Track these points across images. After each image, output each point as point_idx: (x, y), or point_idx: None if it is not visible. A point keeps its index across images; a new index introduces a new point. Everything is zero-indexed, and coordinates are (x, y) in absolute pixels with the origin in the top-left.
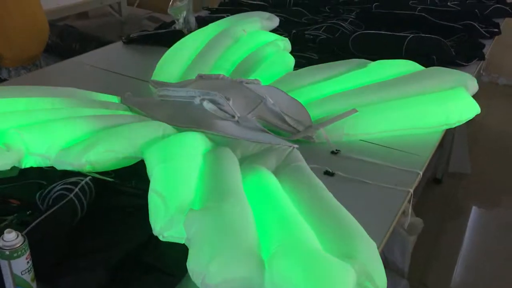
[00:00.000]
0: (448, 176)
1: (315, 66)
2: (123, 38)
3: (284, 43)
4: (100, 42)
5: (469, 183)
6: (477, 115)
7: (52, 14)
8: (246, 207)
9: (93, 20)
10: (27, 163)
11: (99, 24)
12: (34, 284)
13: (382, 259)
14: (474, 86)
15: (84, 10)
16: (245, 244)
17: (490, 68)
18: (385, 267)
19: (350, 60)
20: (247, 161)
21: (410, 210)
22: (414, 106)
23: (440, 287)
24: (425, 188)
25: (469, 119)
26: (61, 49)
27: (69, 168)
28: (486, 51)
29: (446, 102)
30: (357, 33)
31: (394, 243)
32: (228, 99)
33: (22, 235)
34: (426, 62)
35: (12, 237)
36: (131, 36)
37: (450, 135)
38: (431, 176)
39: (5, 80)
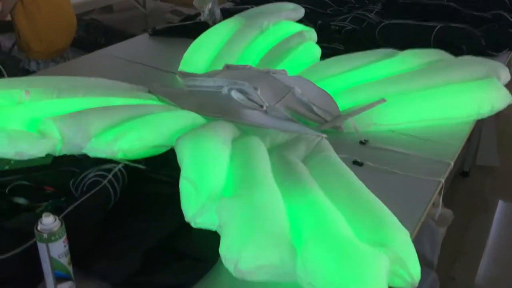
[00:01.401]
0: (475, 169)
1: (342, 56)
2: (149, 30)
3: (310, 34)
4: (124, 36)
5: (496, 176)
6: (504, 108)
7: (78, 8)
8: (276, 195)
9: (118, 14)
10: (61, 151)
11: (123, 17)
12: (70, 268)
13: None
14: (506, 75)
15: (109, 3)
16: (277, 231)
17: None
18: None
19: (378, 50)
20: (276, 150)
21: (440, 201)
22: (444, 96)
23: (467, 281)
24: (452, 181)
25: (501, 109)
26: (86, 42)
27: (101, 155)
28: None
29: (477, 91)
30: (384, 23)
31: (424, 234)
32: (256, 89)
33: (59, 219)
34: (455, 52)
35: (50, 221)
36: (156, 28)
37: (478, 127)
38: (458, 169)
39: (33, 72)
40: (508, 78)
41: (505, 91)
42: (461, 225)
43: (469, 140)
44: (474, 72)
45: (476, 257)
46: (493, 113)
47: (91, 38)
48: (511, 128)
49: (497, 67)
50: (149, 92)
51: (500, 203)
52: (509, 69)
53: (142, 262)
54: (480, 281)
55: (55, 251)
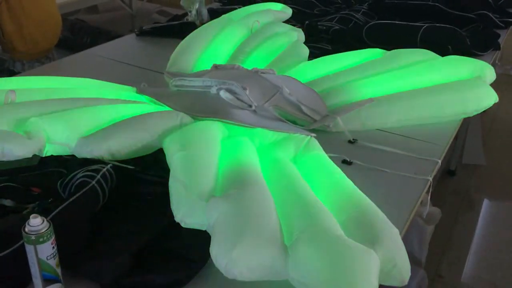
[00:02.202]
0: (461, 168)
1: (330, 56)
2: (135, 30)
3: (298, 34)
4: (111, 36)
5: (482, 175)
6: (489, 107)
7: (63, 8)
8: (267, 194)
9: (104, 14)
10: (47, 152)
11: (109, 18)
12: (58, 270)
13: None
14: (491, 74)
15: (94, 3)
16: (268, 231)
17: (503, 59)
18: None
19: (365, 49)
20: (266, 150)
21: (428, 199)
22: (431, 95)
23: (454, 279)
24: (439, 180)
25: (487, 107)
26: (72, 43)
27: (89, 156)
28: (501, 41)
29: (463, 90)
30: (371, 23)
31: (412, 232)
32: (244, 89)
33: (47, 220)
34: (441, 51)
35: (38, 222)
36: (143, 28)
37: (464, 126)
38: (444, 168)
39: (18, 73)
40: (494, 77)
41: (491, 90)
42: (448, 223)
43: (455, 139)
44: (461, 71)
45: (463, 255)
46: (480, 111)
47: (76, 38)
48: (496, 127)
49: (483, 66)
50: (137, 92)
51: (485, 201)
52: (494, 68)
53: (132, 262)
54: (466, 279)
55: (43, 252)
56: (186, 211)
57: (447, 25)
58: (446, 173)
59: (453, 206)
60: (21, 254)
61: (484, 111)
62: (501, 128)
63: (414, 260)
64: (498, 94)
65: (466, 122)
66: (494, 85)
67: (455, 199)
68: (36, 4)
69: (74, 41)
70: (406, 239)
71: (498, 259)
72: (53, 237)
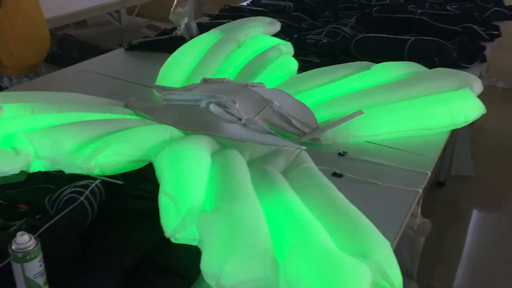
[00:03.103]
0: (450, 179)
1: (319, 69)
2: (124, 44)
3: (287, 47)
4: (100, 51)
5: (471, 186)
6: (477, 119)
7: (51, 23)
8: (257, 208)
9: (92, 29)
10: (35, 168)
11: (98, 33)
12: None
13: None
14: (478, 86)
15: (83, 18)
16: (259, 245)
17: (489, 72)
18: None
19: (353, 62)
20: (256, 163)
21: (419, 211)
22: (419, 107)
23: None
24: (428, 191)
25: (475, 119)
26: (60, 58)
27: (78, 171)
28: (487, 53)
29: (451, 102)
30: (359, 37)
31: (403, 244)
32: (234, 102)
33: (34, 237)
34: (428, 64)
35: (25, 240)
36: (132, 42)
37: (452, 138)
38: (434, 179)
39: (6, 88)
40: (481, 89)
41: (478, 101)
42: (438, 235)
43: (444, 150)
44: (448, 84)
45: (453, 267)
46: (467, 123)
47: (65, 53)
48: (484, 139)
49: (469, 79)
50: (126, 106)
51: (475, 212)
52: (481, 80)
53: (123, 279)
54: None
55: (30, 271)
56: (176, 226)
57: (434, 38)
58: (436, 184)
59: (443, 218)
60: (8, 273)
61: (471, 123)
62: (489, 139)
63: (405, 272)
64: (485, 106)
65: (454, 134)
66: (481, 97)
67: (444, 210)
68: (24, 19)
69: (62, 56)
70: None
71: (488, 270)
72: (41, 255)
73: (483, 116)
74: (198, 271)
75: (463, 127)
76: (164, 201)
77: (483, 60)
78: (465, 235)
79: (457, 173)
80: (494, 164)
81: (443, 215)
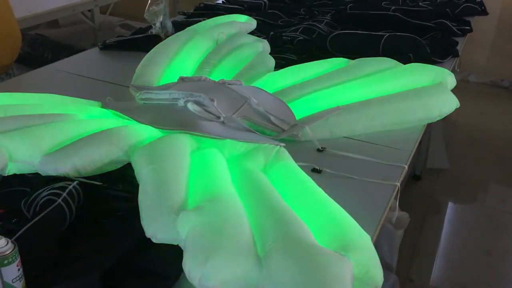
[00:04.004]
0: (426, 173)
1: (296, 66)
2: (99, 44)
3: (263, 45)
4: (73, 51)
5: (446, 179)
6: (450, 113)
7: (22, 23)
8: (238, 205)
9: (65, 29)
10: (10, 170)
11: (70, 32)
12: None
13: None
14: (452, 81)
15: (55, 18)
16: (241, 242)
17: (460, 66)
18: None
19: (330, 59)
20: (235, 161)
21: (397, 204)
22: (395, 102)
23: (424, 282)
24: (405, 185)
25: (449, 113)
26: (33, 59)
27: (54, 173)
28: (459, 48)
29: (426, 97)
30: (334, 33)
31: (382, 238)
32: (212, 100)
33: (12, 241)
34: (403, 60)
35: (1, 244)
36: (107, 42)
37: (427, 132)
38: (410, 173)
39: None
40: (454, 84)
41: (452, 96)
42: (415, 227)
43: (419, 144)
44: (423, 78)
45: (431, 258)
46: (442, 117)
47: (37, 53)
48: (457, 132)
49: (443, 73)
50: (102, 106)
51: (450, 204)
52: (454, 75)
53: (103, 281)
54: (435, 282)
55: (8, 275)
56: (157, 226)
57: (408, 34)
58: (412, 178)
59: (419, 210)
60: None
61: (445, 117)
62: (462, 133)
63: (385, 265)
64: (458, 100)
65: (429, 128)
66: (454, 91)
67: (421, 203)
68: None
69: (35, 57)
70: (376, 245)
71: (465, 260)
72: (19, 259)
73: (456, 110)
74: (179, 271)
75: (437, 121)
76: (144, 201)
77: (456, 55)
78: (441, 226)
79: (432, 167)
80: (468, 156)
81: (419, 208)
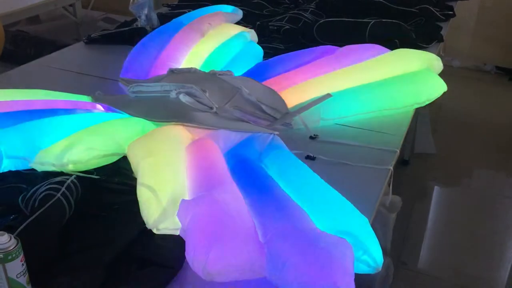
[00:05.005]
0: (414, 158)
1: (284, 55)
2: (84, 38)
3: (251, 35)
4: (56, 46)
5: (434, 163)
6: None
7: (2, 19)
8: (237, 194)
9: (46, 24)
10: (6, 167)
11: (52, 27)
12: (29, 287)
13: None
14: (439, 65)
15: (36, 13)
16: (243, 229)
17: (444, 51)
18: None
19: (318, 47)
20: (231, 151)
21: (390, 188)
22: (384, 88)
23: (416, 264)
24: (394, 170)
25: (437, 97)
26: (15, 56)
27: (51, 168)
28: (444, 33)
29: (414, 82)
30: (321, 21)
31: (376, 221)
32: (204, 91)
33: (15, 237)
34: (389, 46)
35: (5, 240)
36: (92, 36)
37: (414, 117)
38: (398, 158)
39: None
40: (441, 68)
41: (440, 80)
42: (405, 212)
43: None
44: (410, 64)
45: (421, 241)
46: (430, 101)
47: (19, 50)
48: (443, 116)
49: (430, 58)
50: (93, 101)
51: (437, 188)
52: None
53: (106, 274)
54: (426, 264)
55: (12, 271)
56: (158, 217)
57: (393, 20)
58: (400, 163)
59: (409, 195)
60: None
61: (431, 102)
62: (448, 117)
63: None
64: None
65: (416, 113)
66: (441, 75)
67: (410, 188)
68: None
69: (17, 54)
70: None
71: (453, 243)
72: (22, 254)
73: (441, 95)
74: (181, 261)
75: (423, 107)
76: (143, 193)
77: (440, 40)
78: (430, 210)
79: (420, 151)
80: (454, 140)
81: (409, 192)
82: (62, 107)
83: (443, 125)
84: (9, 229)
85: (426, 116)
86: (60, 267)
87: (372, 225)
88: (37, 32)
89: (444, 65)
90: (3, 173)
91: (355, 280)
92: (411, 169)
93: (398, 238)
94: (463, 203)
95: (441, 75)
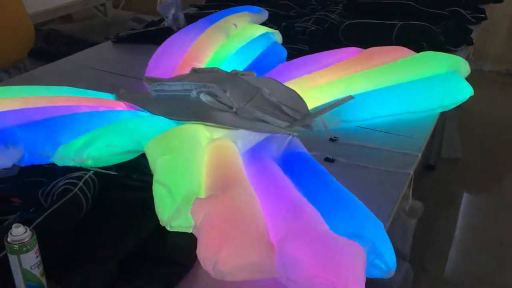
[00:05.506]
0: (440, 162)
1: (307, 56)
2: (112, 37)
3: (275, 35)
4: (87, 44)
5: (461, 169)
6: (465, 102)
7: (36, 18)
8: (252, 193)
9: (78, 23)
10: (27, 162)
11: (84, 26)
12: (43, 279)
13: None
14: (466, 69)
15: (68, 12)
16: (254, 229)
17: (475, 55)
18: None
19: (342, 49)
20: (249, 151)
21: (410, 193)
22: (408, 91)
23: (439, 271)
24: (419, 175)
25: (463, 101)
26: (47, 53)
27: (70, 164)
28: (474, 36)
29: (440, 85)
30: (347, 23)
31: (395, 226)
32: (225, 91)
33: (30, 229)
34: (416, 48)
35: (20, 232)
36: (120, 35)
37: (441, 121)
38: (424, 162)
39: None
40: (468, 72)
41: (466, 84)
42: (429, 217)
43: (433, 134)
44: (436, 66)
45: (445, 248)
46: (456, 105)
47: (52, 48)
48: (472, 121)
49: (457, 61)
50: (116, 99)
51: (465, 194)
52: (468, 63)
53: (120, 270)
54: (450, 271)
55: (27, 262)
56: (172, 215)
57: (421, 23)
58: (426, 168)
59: (433, 200)
60: (4, 265)
61: (460, 106)
62: (477, 122)
63: (398, 254)
64: (473, 89)
65: (443, 117)
66: (468, 80)
67: (435, 193)
68: (4, 13)
69: (49, 51)
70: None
71: (479, 251)
72: (37, 246)
73: (471, 99)
74: (193, 259)
75: (452, 110)
76: (158, 190)
77: (470, 43)
78: (455, 216)
79: (446, 156)
80: (482, 146)
81: (434, 197)
82: (85, 104)
83: (472, 130)
84: (28, 222)
85: (455, 120)
86: (76, 262)
87: (391, 230)
88: (69, 31)
89: (474, 69)
90: (25, 167)
91: (373, 285)
92: (437, 174)
93: (421, 244)
94: (489, 211)
95: (471, 79)
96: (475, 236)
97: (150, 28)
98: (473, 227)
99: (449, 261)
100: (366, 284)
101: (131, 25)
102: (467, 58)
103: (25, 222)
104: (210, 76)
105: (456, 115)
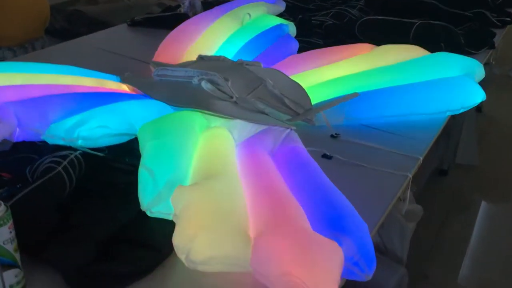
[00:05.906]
0: (455, 168)
1: (319, 50)
2: (127, 20)
3: (289, 27)
4: (107, 26)
5: (475, 176)
6: (487, 108)
7: None
8: (237, 187)
9: (102, 6)
10: (18, 137)
11: (108, 9)
12: (17, 255)
13: (381, 247)
14: (480, 72)
15: None
16: (233, 222)
17: (501, 60)
18: (384, 255)
19: (353, 44)
20: (244, 142)
21: (408, 196)
22: (416, 91)
23: (443, 280)
24: (430, 179)
25: (473, 105)
26: (68, 33)
27: (60, 142)
28: (497, 40)
29: (449, 87)
30: (363, 19)
31: (393, 230)
32: (227, 80)
33: (4, 204)
34: (434, 49)
35: None
36: (135, 18)
37: (458, 125)
38: (437, 167)
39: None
40: (483, 76)
41: (478, 88)
42: (436, 223)
43: (449, 138)
44: (449, 68)
45: (455, 257)
46: (466, 109)
47: (73, 28)
48: (493, 128)
49: (471, 64)
50: (121, 81)
51: (478, 202)
52: (489, 69)
53: (98, 251)
54: (446, 279)
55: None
56: (152, 200)
57: (441, 23)
58: (439, 173)
59: (444, 207)
60: None
61: (480, 111)
62: (498, 129)
63: (395, 258)
64: (496, 95)
65: (461, 122)
66: (492, 85)
67: (446, 199)
68: None
69: (70, 31)
70: (386, 237)
71: (486, 260)
72: (11, 221)
73: (494, 105)
74: (172, 246)
75: (470, 115)
76: (142, 174)
77: (492, 46)
78: (468, 225)
79: (462, 162)
80: (502, 154)
81: (445, 204)
82: (86, 85)
83: (492, 137)
84: (12, 198)
85: (472, 125)
86: (55, 239)
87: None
88: (92, 13)
89: (499, 75)
90: (18, 143)
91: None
92: (450, 180)
93: (423, 250)
94: (500, 220)
95: (496, 85)
96: (486, 246)
97: (165, 13)
98: (484, 237)
99: (453, 270)
100: (359, 287)
101: (155, 10)
102: (487, 62)
103: (12, 197)
104: (215, 65)
105: (474, 119)
